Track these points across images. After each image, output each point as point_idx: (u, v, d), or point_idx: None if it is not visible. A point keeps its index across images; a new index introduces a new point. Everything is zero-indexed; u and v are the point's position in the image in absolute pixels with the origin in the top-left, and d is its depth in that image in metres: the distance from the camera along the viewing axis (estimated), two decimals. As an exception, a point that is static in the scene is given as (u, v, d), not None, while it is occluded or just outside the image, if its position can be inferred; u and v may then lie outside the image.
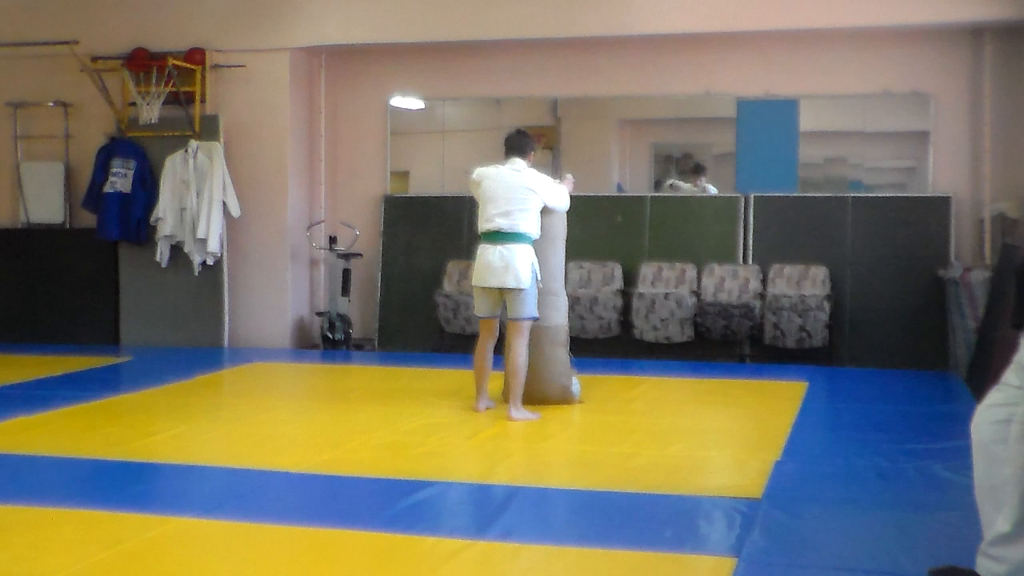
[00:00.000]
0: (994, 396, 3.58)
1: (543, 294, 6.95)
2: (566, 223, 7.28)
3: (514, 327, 6.84)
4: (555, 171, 9.10)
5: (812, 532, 4.40)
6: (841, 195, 9.71)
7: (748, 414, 7.31)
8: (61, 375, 8.62)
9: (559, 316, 7.19)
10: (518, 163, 6.96)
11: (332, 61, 10.79)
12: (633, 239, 10.00)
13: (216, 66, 10.39)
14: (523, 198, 6.79)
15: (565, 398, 7.17)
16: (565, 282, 9.76)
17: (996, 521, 3.45)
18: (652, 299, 9.46)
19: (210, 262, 10.19)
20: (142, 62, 10.24)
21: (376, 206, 10.71)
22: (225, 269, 10.34)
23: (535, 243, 6.86)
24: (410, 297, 10.40)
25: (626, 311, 9.61)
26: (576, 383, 7.25)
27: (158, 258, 10.24)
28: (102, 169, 10.31)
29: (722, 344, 9.44)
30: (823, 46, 9.76)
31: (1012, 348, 3.59)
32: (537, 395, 7.05)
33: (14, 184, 10.88)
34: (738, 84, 9.94)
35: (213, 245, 10.06)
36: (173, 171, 10.17)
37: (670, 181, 10.37)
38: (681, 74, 10.07)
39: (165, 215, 10.14)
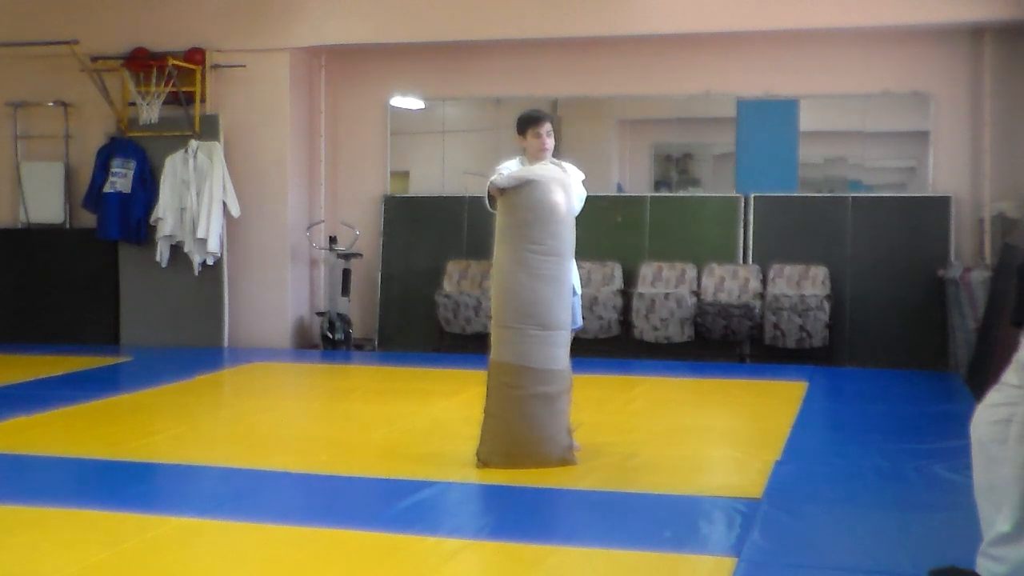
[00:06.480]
0: (994, 396, 3.58)
1: (545, 329, 5.45)
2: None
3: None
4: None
5: (812, 532, 4.41)
6: (841, 195, 9.71)
7: (748, 414, 7.31)
8: (61, 375, 8.62)
9: (564, 357, 5.57)
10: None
11: (332, 61, 10.79)
12: (633, 239, 10.00)
13: (216, 66, 10.39)
14: None
15: (566, 459, 5.52)
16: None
17: (996, 521, 3.45)
18: (652, 299, 9.46)
19: (210, 262, 10.18)
20: (142, 62, 10.24)
21: (376, 206, 10.71)
22: (225, 269, 10.34)
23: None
24: (410, 297, 10.40)
25: (626, 311, 9.61)
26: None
27: (158, 258, 10.24)
28: (102, 169, 10.30)
29: (722, 344, 9.43)
30: (823, 46, 9.75)
31: (1012, 348, 3.59)
32: (534, 457, 5.43)
33: (14, 184, 10.87)
34: (738, 84, 9.94)
35: (213, 245, 10.06)
36: (173, 171, 10.16)
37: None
38: (681, 74, 10.07)
39: (165, 215, 10.14)
